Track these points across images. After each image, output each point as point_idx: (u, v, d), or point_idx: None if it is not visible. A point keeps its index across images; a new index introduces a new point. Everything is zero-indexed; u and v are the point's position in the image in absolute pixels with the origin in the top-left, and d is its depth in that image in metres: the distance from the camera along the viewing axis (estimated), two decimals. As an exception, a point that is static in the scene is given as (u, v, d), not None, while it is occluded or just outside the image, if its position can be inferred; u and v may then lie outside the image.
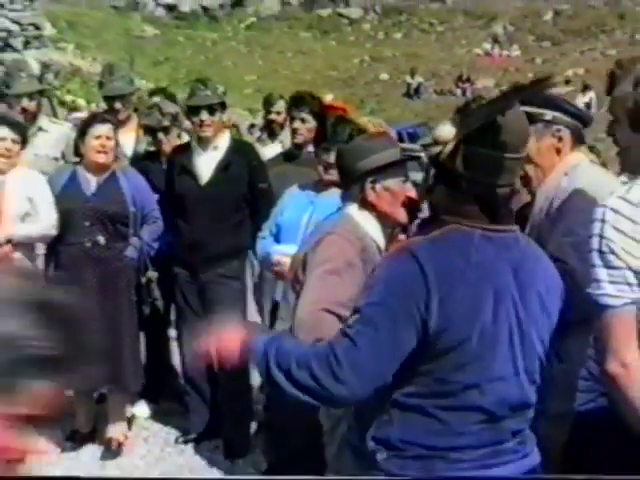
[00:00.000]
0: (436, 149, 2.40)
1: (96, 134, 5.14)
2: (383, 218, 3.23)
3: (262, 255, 4.69)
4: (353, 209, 3.25)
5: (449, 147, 2.36)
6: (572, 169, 3.08)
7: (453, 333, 2.27)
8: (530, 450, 2.47)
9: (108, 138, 5.16)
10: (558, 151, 3.09)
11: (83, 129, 5.21)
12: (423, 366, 2.31)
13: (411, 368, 2.32)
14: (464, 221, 2.33)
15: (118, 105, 6.17)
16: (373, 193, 3.21)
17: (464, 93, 29.87)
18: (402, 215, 3.27)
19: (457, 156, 2.34)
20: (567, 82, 30.50)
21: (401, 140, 13.93)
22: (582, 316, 2.55)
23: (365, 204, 3.22)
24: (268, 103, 7.22)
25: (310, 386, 2.30)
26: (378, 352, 2.27)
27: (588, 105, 26.42)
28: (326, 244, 3.15)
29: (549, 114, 3.08)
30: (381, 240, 3.26)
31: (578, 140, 3.16)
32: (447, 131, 2.41)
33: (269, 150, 6.43)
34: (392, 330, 2.26)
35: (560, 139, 3.09)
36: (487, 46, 36.86)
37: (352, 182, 3.26)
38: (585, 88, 27.52)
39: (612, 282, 2.37)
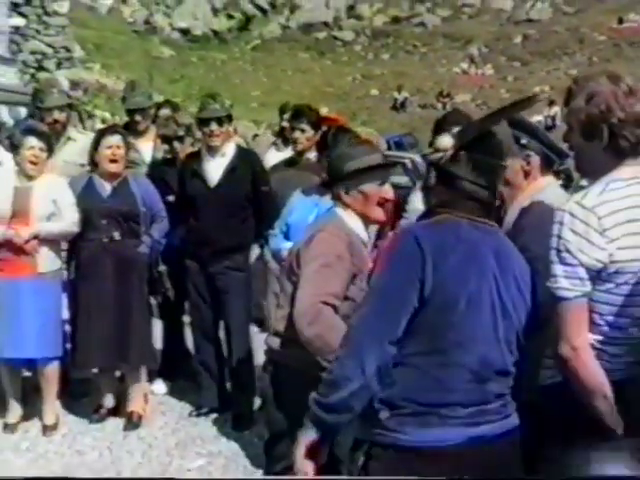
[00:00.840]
0: (437, 155, 2.50)
1: (107, 144, 5.14)
2: (361, 217, 3.26)
3: (274, 250, 4.70)
4: (339, 208, 3.28)
5: (449, 153, 2.47)
6: (539, 191, 3.10)
7: (445, 294, 2.35)
8: (511, 413, 2.51)
9: (118, 147, 5.16)
10: (526, 173, 3.10)
11: (96, 140, 5.20)
12: (420, 325, 2.37)
13: (409, 330, 2.37)
14: (454, 212, 2.44)
15: (138, 117, 6.20)
16: (347, 195, 3.25)
17: (444, 107, 29.83)
18: (377, 214, 3.30)
19: (456, 161, 2.46)
20: (535, 97, 30.53)
21: (389, 148, 13.93)
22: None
23: (343, 203, 3.26)
24: (282, 112, 7.19)
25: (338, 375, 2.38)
26: (388, 311, 2.35)
27: (553, 118, 26.52)
28: (318, 241, 3.17)
29: (525, 138, 3.10)
30: (364, 235, 3.31)
31: (547, 166, 3.17)
32: (447, 141, 2.49)
33: (283, 155, 6.36)
34: (398, 291, 2.35)
35: (528, 163, 3.10)
36: (464, 65, 36.86)
37: (334, 184, 3.30)
38: (551, 103, 27.62)
39: (567, 277, 2.42)
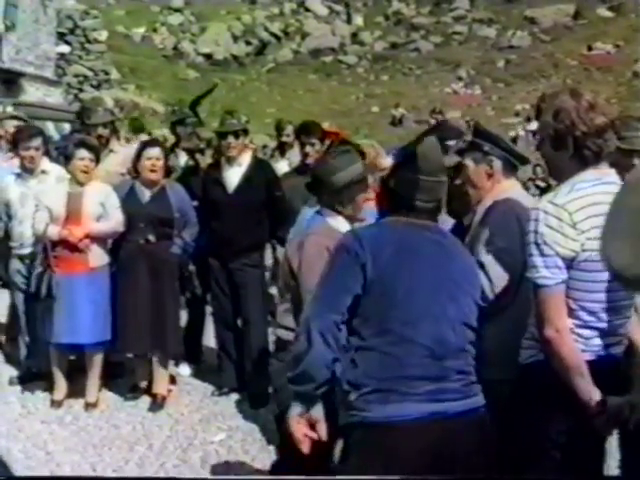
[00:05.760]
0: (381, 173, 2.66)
1: (148, 156, 5.13)
2: (347, 219, 3.22)
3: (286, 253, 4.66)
4: (326, 211, 3.23)
5: (386, 172, 2.57)
6: (502, 192, 3.08)
7: (384, 280, 2.39)
8: (474, 393, 2.45)
9: (158, 159, 5.14)
10: (490, 176, 3.09)
11: (139, 152, 5.19)
12: (369, 310, 2.38)
13: (362, 316, 2.39)
14: (395, 217, 2.51)
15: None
16: (340, 205, 3.19)
17: (437, 122, 29.65)
18: (363, 215, 3.26)
19: (393, 178, 2.55)
20: (517, 114, 30.50)
21: (387, 159, 13.88)
22: (496, 306, 2.68)
23: (334, 209, 3.21)
24: (280, 129, 7.20)
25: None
26: (328, 296, 2.41)
27: (534, 133, 26.40)
28: (310, 245, 3.12)
29: (487, 146, 3.09)
30: None
31: (511, 170, 3.15)
32: (390, 162, 2.59)
33: (279, 165, 6.42)
34: (339, 279, 2.42)
35: (491, 167, 3.09)
36: (454, 86, 36.71)
37: (324, 193, 3.23)
38: (529, 119, 27.56)
39: (546, 267, 2.42)
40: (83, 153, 5.04)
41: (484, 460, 2.39)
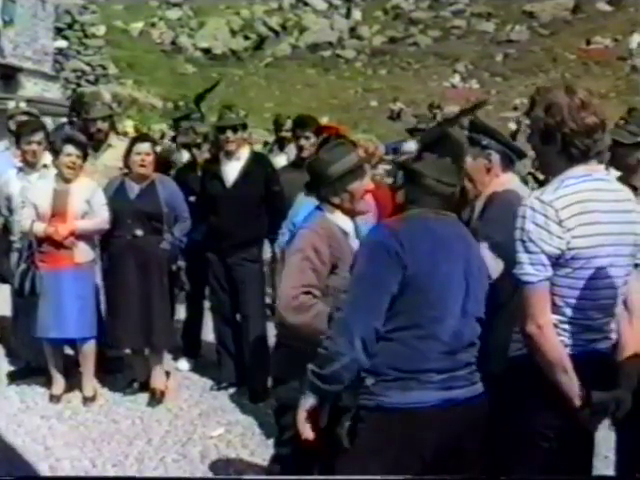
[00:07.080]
0: (403, 157, 2.49)
1: (137, 151, 5.12)
2: (347, 212, 3.18)
3: (282, 247, 4.67)
4: (324, 206, 3.19)
5: (413, 154, 2.57)
6: (500, 186, 3.10)
7: (420, 277, 2.43)
8: (477, 380, 2.57)
9: (147, 154, 5.13)
10: (488, 170, 3.11)
11: (129, 148, 5.18)
12: (401, 305, 2.43)
13: (391, 309, 2.44)
14: (421, 207, 2.54)
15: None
16: (336, 197, 3.15)
17: (435, 117, 29.61)
18: (362, 206, 3.22)
19: (420, 160, 2.56)
20: (515, 108, 30.48)
21: (387, 153, 13.95)
22: (495, 300, 2.68)
23: (331, 203, 3.17)
24: (278, 124, 7.19)
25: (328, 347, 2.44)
26: (371, 296, 2.42)
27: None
28: (297, 237, 3.13)
29: (485, 140, 3.10)
30: (348, 227, 3.19)
31: (508, 164, 3.16)
32: (412, 146, 2.56)
33: (278, 160, 6.42)
34: (380, 278, 2.43)
35: (490, 161, 3.10)
36: (453, 80, 36.67)
37: (321, 188, 3.19)
38: (527, 113, 27.44)
39: (531, 264, 2.43)
40: (70, 149, 5.02)
41: (485, 445, 2.52)
